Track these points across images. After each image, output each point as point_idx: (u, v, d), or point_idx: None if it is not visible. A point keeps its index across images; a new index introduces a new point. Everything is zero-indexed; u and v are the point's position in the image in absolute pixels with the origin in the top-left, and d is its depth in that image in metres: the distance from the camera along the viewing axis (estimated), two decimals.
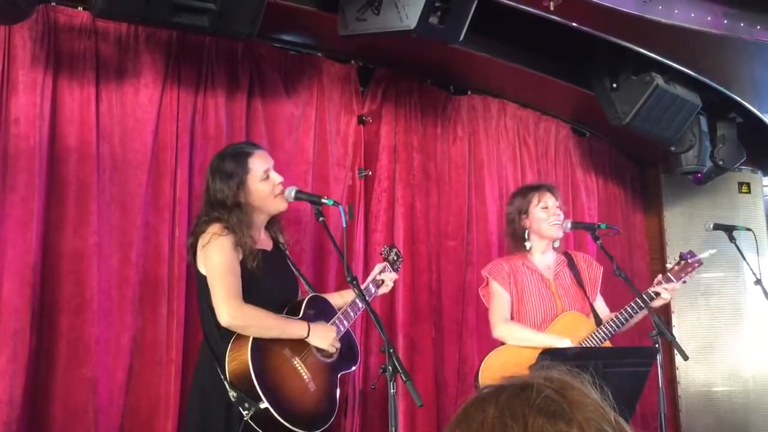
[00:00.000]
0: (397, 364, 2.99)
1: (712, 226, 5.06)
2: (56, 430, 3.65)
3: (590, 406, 1.04)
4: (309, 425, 3.25)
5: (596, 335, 4.05)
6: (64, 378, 3.70)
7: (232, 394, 3.14)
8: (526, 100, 5.76)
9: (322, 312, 3.52)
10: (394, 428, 2.99)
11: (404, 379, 2.95)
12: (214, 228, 3.32)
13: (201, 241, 3.33)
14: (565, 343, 3.94)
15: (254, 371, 3.13)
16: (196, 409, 3.38)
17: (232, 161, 3.46)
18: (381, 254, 3.91)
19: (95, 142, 3.89)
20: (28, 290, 3.58)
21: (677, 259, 4.21)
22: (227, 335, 3.25)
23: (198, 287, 3.44)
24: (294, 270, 3.68)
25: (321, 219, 3.41)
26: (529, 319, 4.14)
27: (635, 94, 4.95)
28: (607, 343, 4.10)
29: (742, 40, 4.86)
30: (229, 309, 3.20)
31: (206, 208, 3.44)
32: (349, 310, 3.55)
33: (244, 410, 3.11)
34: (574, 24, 4.38)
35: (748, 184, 6.95)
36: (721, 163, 5.99)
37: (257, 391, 3.11)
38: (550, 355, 3.62)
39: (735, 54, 5.09)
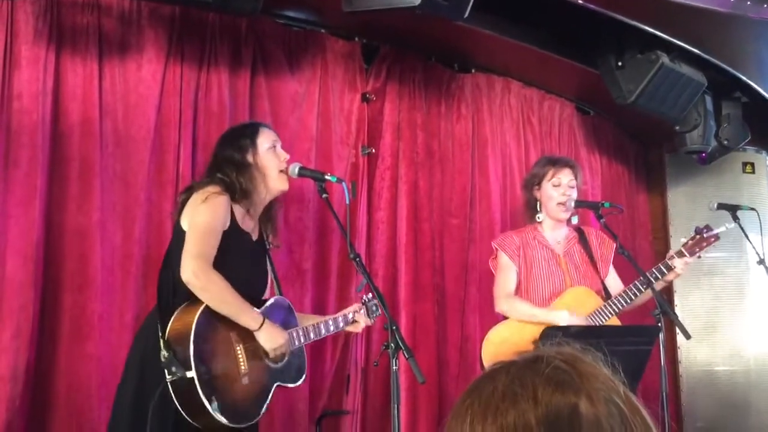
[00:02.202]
0: (399, 342, 2.99)
1: (716, 205, 5.05)
2: (59, 405, 3.67)
3: (600, 377, 1.05)
4: (227, 414, 3.04)
5: (603, 310, 4.07)
6: (68, 354, 3.71)
7: (164, 353, 2.99)
8: (531, 78, 5.74)
9: (283, 318, 3.42)
10: (396, 405, 3.00)
11: (407, 356, 2.95)
12: (213, 188, 3.27)
13: (196, 197, 3.25)
14: (562, 315, 3.95)
15: (194, 338, 3.01)
16: (134, 369, 3.24)
17: (243, 126, 3.55)
18: (362, 300, 3.72)
19: (98, 118, 3.88)
20: (32, 266, 3.58)
21: (691, 233, 4.22)
22: (182, 297, 3.14)
23: (171, 242, 3.36)
24: (270, 271, 3.61)
25: (324, 196, 3.39)
26: (537, 294, 4.15)
27: (640, 73, 4.92)
28: (615, 320, 4.11)
29: (749, 19, 4.83)
30: (195, 267, 3.09)
31: (209, 171, 3.43)
32: (310, 329, 3.47)
33: (169, 374, 2.97)
34: (580, 1, 4.35)
35: (753, 164, 6.93)
36: (725, 142, 5.97)
37: (189, 359, 2.98)
38: (554, 331, 3.64)
39: (741, 33, 5.06)
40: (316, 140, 4.60)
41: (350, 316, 3.66)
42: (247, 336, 3.21)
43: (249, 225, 3.44)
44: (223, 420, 3.02)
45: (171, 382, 2.98)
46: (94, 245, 3.80)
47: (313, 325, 3.50)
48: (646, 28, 4.70)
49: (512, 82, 5.64)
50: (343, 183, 3.34)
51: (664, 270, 4.11)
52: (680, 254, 4.12)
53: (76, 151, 3.82)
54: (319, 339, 3.57)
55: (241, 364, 3.17)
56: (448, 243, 5.14)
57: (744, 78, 5.57)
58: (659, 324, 3.84)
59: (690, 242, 4.17)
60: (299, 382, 3.50)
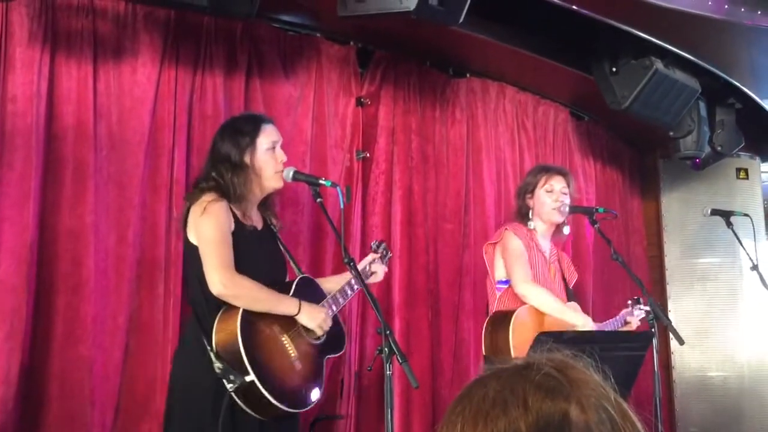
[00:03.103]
0: (393, 346, 2.98)
1: (709, 211, 5.07)
2: (52, 408, 3.65)
3: (591, 384, 1.05)
4: (292, 403, 3.22)
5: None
6: (61, 356, 3.69)
7: (217, 365, 3.09)
8: (525, 83, 5.75)
9: (311, 294, 3.49)
10: (389, 409, 2.99)
11: (400, 361, 2.94)
12: (209, 197, 3.29)
13: (195, 209, 3.29)
14: (587, 322, 4.00)
15: (243, 343, 3.10)
16: (180, 383, 3.32)
17: (246, 122, 3.51)
18: (371, 248, 3.90)
19: (92, 121, 3.87)
20: (25, 268, 3.57)
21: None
22: (216, 307, 3.22)
23: (185, 257, 3.42)
24: (284, 252, 3.66)
25: (319, 200, 3.39)
26: None
27: (635, 79, 4.93)
28: None
29: (743, 25, 4.84)
30: (222, 278, 3.17)
31: (208, 168, 3.44)
32: (338, 295, 3.54)
33: (228, 383, 3.06)
34: (574, 7, 4.36)
35: (746, 170, 6.95)
36: (719, 148, 5.99)
37: (244, 364, 3.07)
38: (547, 337, 3.65)
39: (735, 39, 5.07)
40: (311, 144, 4.60)
41: (368, 269, 3.76)
42: (287, 324, 3.31)
43: (251, 219, 3.47)
44: (291, 410, 3.19)
45: (234, 391, 3.08)
46: (87, 247, 3.79)
47: (340, 291, 3.57)
48: (641, 34, 4.71)
49: (507, 87, 5.65)
50: (338, 187, 3.33)
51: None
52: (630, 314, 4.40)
53: (71, 153, 3.81)
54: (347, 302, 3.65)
55: (291, 351, 3.28)
56: (442, 248, 5.14)
57: (738, 84, 5.60)
58: (652, 329, 3.86)
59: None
60: (344, 348, 3.64)
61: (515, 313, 3.99)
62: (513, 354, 3.87)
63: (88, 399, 3.71)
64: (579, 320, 4.02)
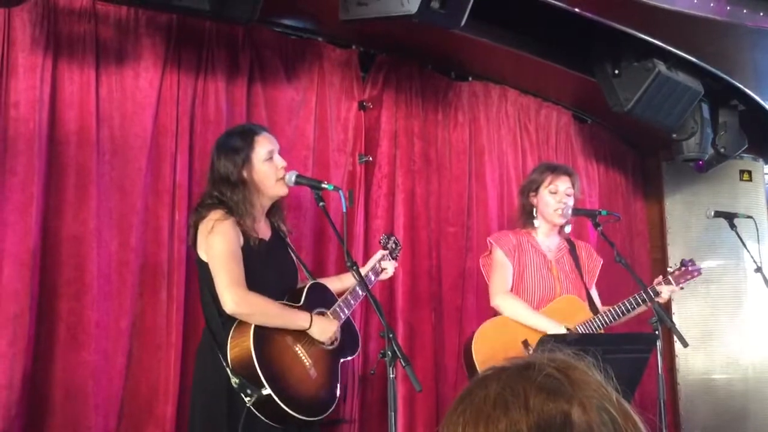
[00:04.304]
0: (396, 350, 3.00)
1: (713, 213, 5.05)
2: (56, 413, 3.65)
3: (592, 385, 1.05)
4: (311, 411, 3.28)
5: (593, 322, 4.07)
6: (64, 362, 3.69)
7: (234, 380, 3.14)
8: (528, 86, 5.75)
9: (322, 300, 3.52)
10: (393, 413, 3.00)
11: (404, 365, 2.95)
12: (216, 215, 3.31)
13: (203, 228, 3.32)
14: (559, 330, 3.95)
15: (257, 358, 3.14)
16: (199, 395, 3.39)
17: (238, 138, 3.50)
18: (380, 242, 3.93)
19: (95, 126, 3.87)
20: (28, 274, 3.57)
21: (677, 264, 4.24)
22: (229, 322, 3.26)
23: (199, 273, 3.45)
24: (294, 258, 3.67)
25: (321, 204, 3.40)
26: (528, 298, 4.16)
27: (637, 81, 4.93)
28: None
29: (745, 27, 4.84)
30: (234, 297, 3.20)
31: (210, 187, 3.46)
32: (349, 297, 3.56)
33: (246, 396, 3.11)
34: (576, 9, 4.36)
35: (750, 172, 6.95)
36: (722, 150, 5.98)
37: (260, 378, 3.12)
38: (549, 338, 3.64)
39: (737, 41, 5.07)
40: (313, 148, 4.60)
41: (377, 266, 3.81)
42: (300, 333, 3.35)
43: (258, 231, 3.47)
44: (311, 418, 3.27)
45: (253, 404, 3.13)
46: (90, 253, 3.79)
47: (350, 292, 3.59)
48: (643, 36, 4.71)
49: (509, 90, 5.65)
50: (340, 191, 3.34)
51: (651, 294, 4.13)
52: (667, 282, 4.15)
53: (73, 158, 3.82)
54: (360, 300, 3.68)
55: (305, 360, 3.33)
56: (445, 251, 5.14)
57: (740, 86, 5.59)
58: (656, 332, 3.84)
59: (676, 272, 4.19)
60: (358, 350, 3.73)
61: (477, 332, 4.05)
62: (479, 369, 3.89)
63: (92, 404, 3.71)
64: (548, 326, 3.99)
